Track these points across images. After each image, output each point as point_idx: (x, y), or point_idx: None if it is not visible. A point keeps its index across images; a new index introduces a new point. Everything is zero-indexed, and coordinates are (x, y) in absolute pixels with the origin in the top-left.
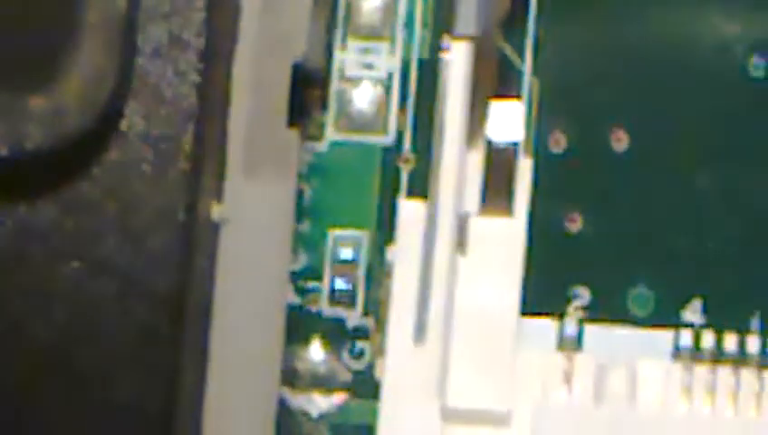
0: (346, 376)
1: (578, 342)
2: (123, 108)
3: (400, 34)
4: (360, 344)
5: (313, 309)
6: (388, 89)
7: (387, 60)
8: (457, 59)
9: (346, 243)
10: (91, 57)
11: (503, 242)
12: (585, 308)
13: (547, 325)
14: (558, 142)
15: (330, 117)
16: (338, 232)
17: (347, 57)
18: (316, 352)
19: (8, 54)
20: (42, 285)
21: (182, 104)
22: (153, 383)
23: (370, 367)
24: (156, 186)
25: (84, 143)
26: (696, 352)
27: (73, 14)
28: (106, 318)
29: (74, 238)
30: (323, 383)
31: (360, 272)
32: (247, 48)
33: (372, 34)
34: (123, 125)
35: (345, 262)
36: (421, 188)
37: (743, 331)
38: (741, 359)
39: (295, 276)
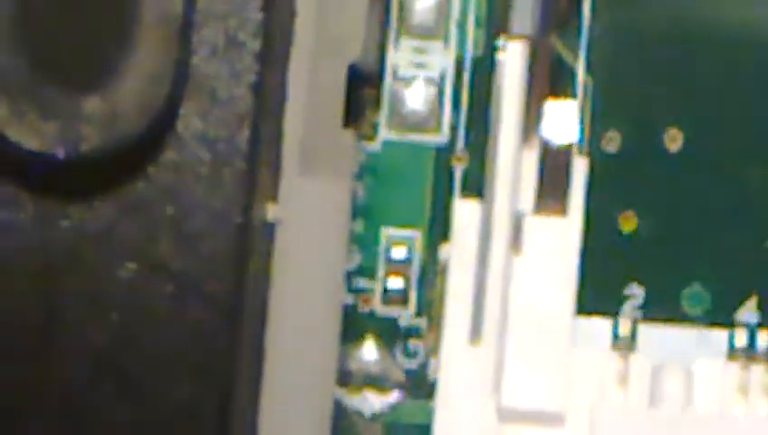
0: (399, 376)
1: (632, 341)
2: (179, 109)
3: (454, 34)
4: (413, 344)
5: (367, 309)
6: (441, 88)
7: (440, 59)
8: (513, 59)
9: (399, 242)
10: (147, 58)
11: (557, 241)
12: (640, 307)
13: (602, 325)
14: (612, 141)
15: (383, 116)
16: (391, 231)
17: (400, 57)
18: (369, 351)
19: (64, 55)
20: (97, 287)
21: (238, 105)
22: (209, 385)
23: (424, 366)
24: (212, 187)
25: (140, 144)
26: (751, 352)
27: (129, 14)
28: (162, 320)
29: (130, 240)
30: (377, 383)
31: (413, 271)
32: (303, 49)
33: (425, 34)
34: (179, 126)
35: (398, 261)
36: (473, 187)
37: None
38: None
39: (349, 276)
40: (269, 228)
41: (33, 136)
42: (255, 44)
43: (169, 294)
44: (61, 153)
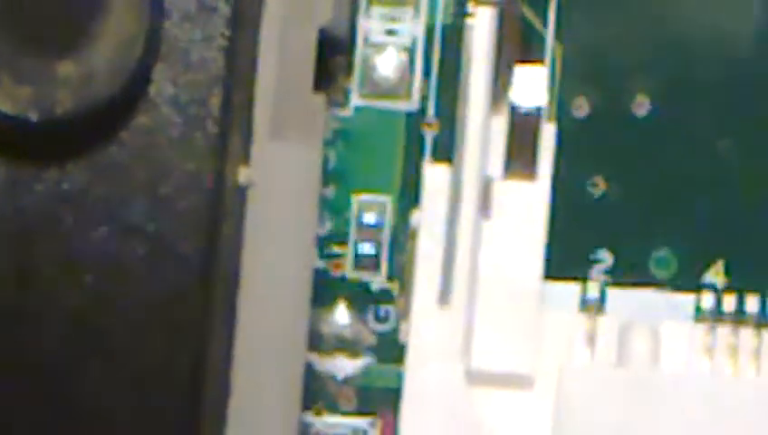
0: (371, 340)
1: (601, 304)
2: (151, 73)
3: (424, 1)
4: (384, 308)
5: (338, 273)
6: (412, 55)
7: (411, 26)
8: (481, 24)
9: (370, 207)
10: (119, 23)
11: (526, 206)
12: (608, 271)
13: (570, 289)
14: (581, 107)
15: (354, 83)
16: (362, 197)
17: (371, 23)
18: (341, 315)
19: (37, 21)
20: (71, 250)
21: (210, 69)
22: (182, 347)
23: (395, 330)
24: (184, 150)
25: (113, 108)
26: (718, 314)
27: None
28: (135, 282)
29: (103, 203)
30: (348, 347)
31: (385, 236)
32: (274, 14)
33: (396, 1)
34: (151, 90)
35: (369, 226)
36: (445, 152)
37: (765, 292)
38: (763, 320)
39: (320, 241)
40: (241, 192)
41: (6, 100)
42: (227, 9)
43: (143, 257)
44: (34, 117)
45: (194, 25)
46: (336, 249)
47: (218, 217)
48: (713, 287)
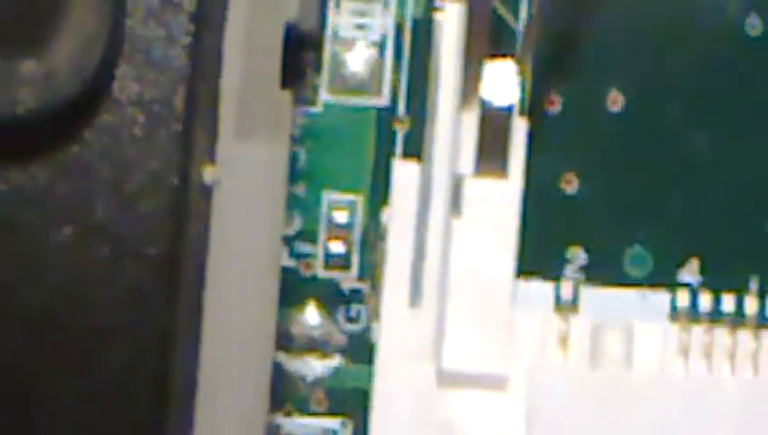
0: (341, 340)
1: (574, 303)
2: (114, 71)
3: None
4: (355, 308)
5: (308, 273)
6: (381, 50)
7: (381, 21)
8: (451, 19)
9: (340, 206)
10: (81, 20)
11: (498, 204)
12: (581, 269)
13: (543, 287)
14: (553, 103)
15: (324, 79)
16: (332, 195)
17: (340, 19)
18: (311, 315)
19: None
20: (34, 249)
21: (174, 67)
22: (147, 347)
23: (366, 330)
24: (148, 149)
25: (76, 107)
26: (693, 313)
27: None
28: (99, 282)
29: (67, 202)
30: (318, 347)
31: (355, 235)
32: (239, 10)
33: None
34: (115, 88)
35: (340, 225)
36: (416, 149)
37: (740, 291)
38: (738, 319)
39: (290, 240)
40: (206, 190)
41: None
42: (191, 5)
43: (107, 256)
44: None
45: (157, 23)
46: (306, 248)
47: (183, 217)
48: (688, 286)
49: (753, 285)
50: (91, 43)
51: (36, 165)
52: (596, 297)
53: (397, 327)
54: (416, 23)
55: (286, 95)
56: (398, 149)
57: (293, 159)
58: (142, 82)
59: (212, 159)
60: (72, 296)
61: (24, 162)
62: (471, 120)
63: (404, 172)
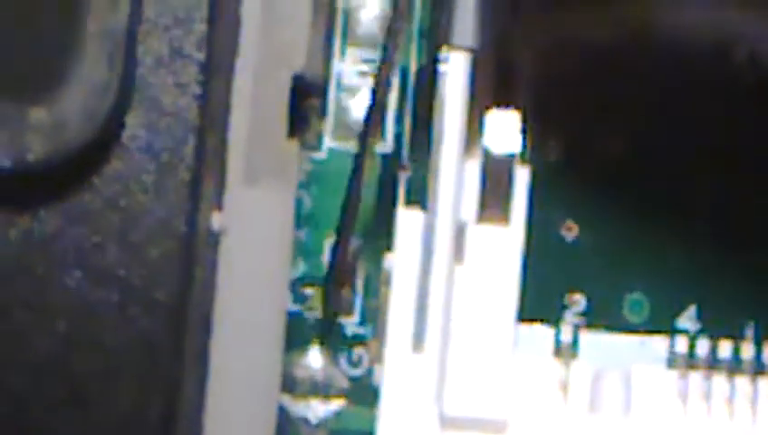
0: (344, 383)
1: (574, 348)
2: (124, 119)
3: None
4: (357, 351)
5: (312, 316)
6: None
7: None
8: (455, 70)
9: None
10: (92, 69)
11: (500, 250)
12: (581, 315)
13: (543, 332)
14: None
15: (328, 125)
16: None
17: (345, 66)
18: (314, 359)
19: (10, 66)
20: (43, 296)
21: (183, 116)
22: (154, 393)
23: (368, 374)
24: (157, 196)
25: (85, 155)
26: (690, 359)
27: (75, 25)
28: (107, 328)
29: (76, 249)
30: (321, 390)
31: (359, 279)
32: (248, 59)
33: (370, 44)
34: (124, 136)
35: None
36: (419, 196)
37: (737, 338)
38: (735, 366)
39: (294, 283)
40: (214, 237)
41: None
42: (200, 55)
43: (115, 303)
44: (6, 163)
45: (167, 72)
46: (310, 292)
47: (191, 264)
48: (686, 332)
49: (749, 331)
50: (102, 92)
51: (46, 211)
52: (595, 343)
53: (400, 371)
54: (420, 71)
55: (293, 144)
56: (401, 194)
57: (297, 204)
58: (152, 131)
59: (219, 206)
60: (80, 342)
61: (34, 209)
62: (474, 168)
63: (408, 219)
